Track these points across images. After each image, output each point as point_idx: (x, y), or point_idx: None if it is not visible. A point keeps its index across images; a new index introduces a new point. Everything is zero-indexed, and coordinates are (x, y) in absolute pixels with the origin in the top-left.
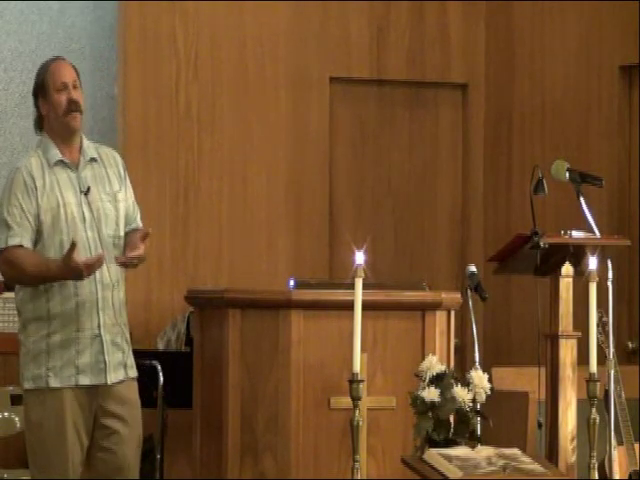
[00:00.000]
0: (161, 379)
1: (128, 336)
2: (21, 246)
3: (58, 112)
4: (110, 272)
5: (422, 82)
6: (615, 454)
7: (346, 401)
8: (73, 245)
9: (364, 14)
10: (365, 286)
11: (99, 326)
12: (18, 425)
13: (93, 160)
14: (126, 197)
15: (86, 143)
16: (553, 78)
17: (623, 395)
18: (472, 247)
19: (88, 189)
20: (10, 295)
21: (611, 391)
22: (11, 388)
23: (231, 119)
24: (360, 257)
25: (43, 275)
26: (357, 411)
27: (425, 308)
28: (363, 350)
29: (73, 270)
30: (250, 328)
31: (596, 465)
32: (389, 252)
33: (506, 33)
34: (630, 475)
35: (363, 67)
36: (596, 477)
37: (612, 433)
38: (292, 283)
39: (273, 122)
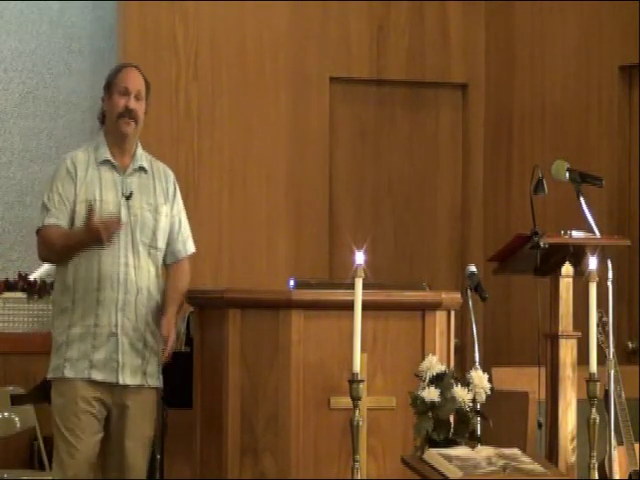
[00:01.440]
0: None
1: (155, 345)
2: (56, 226)
3: (113, 114)
4: (137, 276)
5: (422, 82)
6: (615, 454)
7: (346, 401)
8: (90, 207)
9: (364, 14)
10: (365, 286)
11: (116, 325)
12: (18, 425)
13: (142, 169)
14: (172, 213)
15: (140, 152)
16: (553, 78)
17: (623, 395)
18: (472, 247)
19: (131, 194)
20: (10, 295)
21: (611, 391)
22: (11, 388)
23: (231, 119)
24: (360, 257)
25: (68, 244)
26: (357, 411)
27: (425, 308)
28: (363, 350)
29: (92, 232)
30: (250, 328)
31: (596, 465)
32: (389, 252)
33: (506, 33)
34: (630, 475)
35: (363, 67)
36: (596, 477)
37: (612, 433)
38: (292, 283)
39: (273, 122)
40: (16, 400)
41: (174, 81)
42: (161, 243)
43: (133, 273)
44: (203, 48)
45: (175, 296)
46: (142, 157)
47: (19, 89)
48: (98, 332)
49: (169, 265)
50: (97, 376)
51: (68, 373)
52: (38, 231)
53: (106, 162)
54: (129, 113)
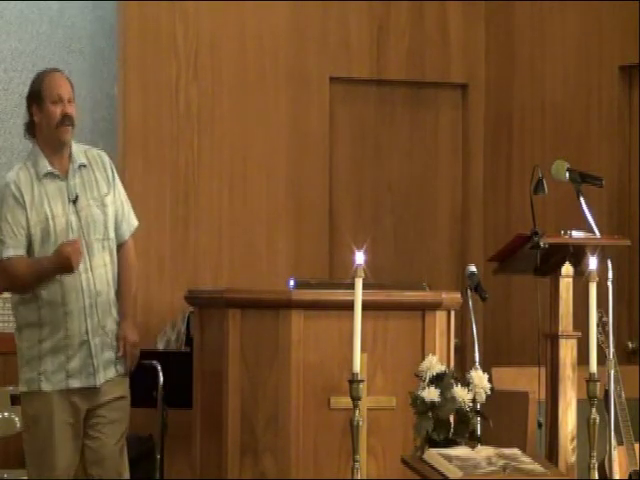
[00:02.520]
0: (161, 379)
1: (114, 327)
2: (18, 257)
3: (51, 124)
4: (96, 277)
5: (422, 82)
6: (615, 454)
7: (346, 401)
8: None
9: (364, 14)
10: (365, 286)
11: (87, 332)
12: (18, 425)
13: (82, 166)
14: (114, 199)
15: (75, 148)
16: (553, 78)
17: (623, 395)
18: (472, 247)
19: (76, 197)
20: (10, 295)
21: (611, 391)
22: (11, 388)
23: (231, 119)
24: (360, 257)
25: (38, 272)
26: (357, 411)
27: (425, 308)
28: (363, 350)
29: (63, 260)
30: (250, 328)
31: (596, 465)
32: (389, 252)
33: (506, 33)
34: (630, 475)
35: (363, 67)
36: (596, 477)
37: (612, 433)
38: (292, 283)
39: (273, 122)
40: (16, 400)
41: (174, 81)
42: (112, 233)
43: (92, 277)
44: (203, 48)
45: (129, 294)
46: (78, 154)
47: (19, 89)
48: (70, 343)
49: (117, 247)
50: (75, 384)
51: (45, 387)
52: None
53: (48, 174)
54: (69, 120)
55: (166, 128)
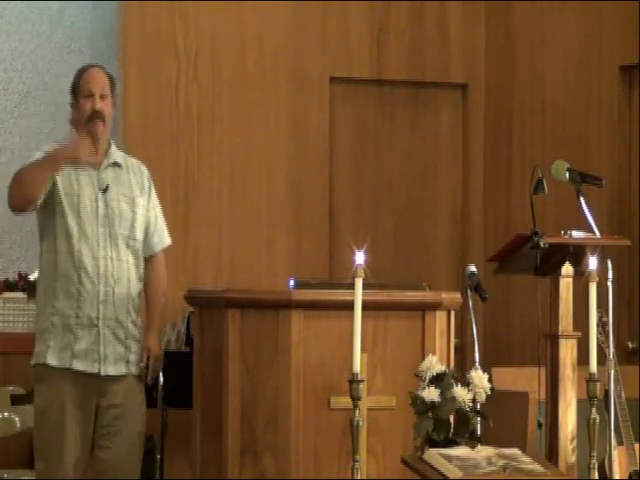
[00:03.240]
0: (161, 379)
1: (137, 334)
2: None
3: (82, 118)
4: (116, 269)
5: (422, 82)
6: (615, 454)
7: (346, 401)
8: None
9: (364, 14)
10: (365, 286)
11: (97, 318)
12: (18, 425)
13: (117, 165)
14: (148, 207)
15: (114, 149)
16: (553, 78)
17: (623, 395)
18: (472, 247)
19: (107, 187)
20: (10, 295)
21: (611, 391)
22: (11, 388)
23: (231, 119)
24: (360, 257)
25: (45, 157)
26: (357, 411)
27: (425, 308)
28: (363, 350)
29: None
30: (250, 328)
31: (596, 465)
32: (389, 252)
33: (506, 33)
34: (630, 475)
35: (363, 67)
36: (596, 477)
37: (612, 433)
38: (292, 283)
39: (273, 122)
40: (16, 400)
41: (174, 81)
42: (139, 234)
43: (111, 266)
44: (203, 48)
45: (156, 308)
46: (116, 154)
47: (19, 89)
48: (80, 323)
49: (146, 259)
50: (78, 366)
51: (51, 360)
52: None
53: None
54: (97, 115)
55: (166, 128)
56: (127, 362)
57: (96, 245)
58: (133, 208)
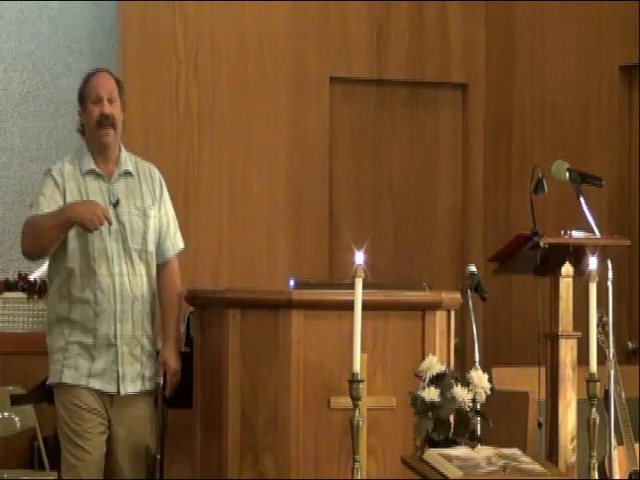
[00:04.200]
0: (161, 379)
1: (151, 349)
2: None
3: (91, 124)
4: (131, 285)
5: (422, 82)
6: (615, 454)
7: (346, 401)
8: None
9: (364, 14)
10: (365, 286)
11: (115, 336)
12: (18, 425)
13: (128, 174)
14: (159, 214)
15: (124, 155)
16: (553, 78)
17: (623, 395)
18: (472, 247)
19: (117, 201)
20: (10, 295)
21: (611, 391)
22: (11, 388)
23: (231, 119)
24: (360, 257)
25: (56, 216)
26: (357, 411)
27: (425, 308)
28: (363, 350)
29: (84, 207)
30: (250, 328)
31: (596, 465)
32: (389, 252)
33: (506, 33)
34: (630, 475)
35: (363, 67)
36: (596, 477)
37: (612, 433)
38: (292, 283)
39: (273, 122)
40: (16, 400)
41: (174, 81)
42: (151, 246)
43: (128, 282)
44: (203, 48)
45: (171, 316)
46: (127, 161)
47: (19, 89)
48: (97, 344)
49: (159, 265)
50: (96, 385)
51: (67, 379)
52: (25, 224)
53: (91, 172)
54: (106, 119)
55: (166, 128)
56: (143, 378)
57: (111, 262)
58: (145, 220)
